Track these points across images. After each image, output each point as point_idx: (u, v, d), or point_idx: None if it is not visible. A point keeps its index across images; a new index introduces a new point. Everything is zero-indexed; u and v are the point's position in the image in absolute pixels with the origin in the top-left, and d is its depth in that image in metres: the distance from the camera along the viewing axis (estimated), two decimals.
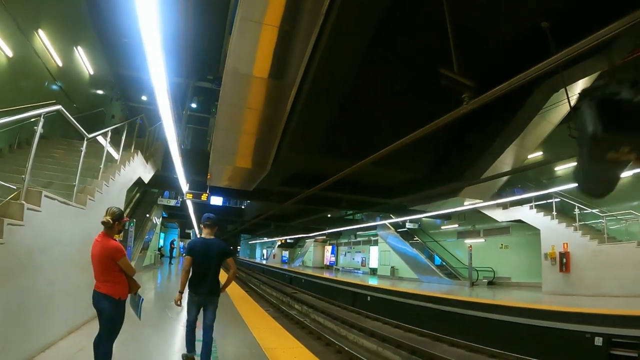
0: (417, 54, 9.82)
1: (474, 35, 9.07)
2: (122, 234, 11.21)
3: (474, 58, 9.00)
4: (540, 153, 19.22)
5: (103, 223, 4.66)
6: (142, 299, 5.24)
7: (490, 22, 9.12)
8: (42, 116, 5.62)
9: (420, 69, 9.98)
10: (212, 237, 6.26)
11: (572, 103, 10.20)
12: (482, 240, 25.85)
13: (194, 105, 24.55)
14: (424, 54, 9.58)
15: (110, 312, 4.66)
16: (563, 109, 12.25)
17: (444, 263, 27.59)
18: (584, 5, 8.30)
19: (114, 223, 4.72)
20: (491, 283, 23.46)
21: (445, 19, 7.08)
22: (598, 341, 9.90)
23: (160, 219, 32.61)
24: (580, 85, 12.01)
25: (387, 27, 8.73)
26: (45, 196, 5.66)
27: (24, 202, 5.08)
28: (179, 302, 5.98)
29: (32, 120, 5.72)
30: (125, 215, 5.02)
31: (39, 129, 5.54)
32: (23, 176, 5.27)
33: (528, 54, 8.89)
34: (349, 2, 7.47)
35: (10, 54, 10.27)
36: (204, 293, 6.02)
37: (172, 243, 39.81)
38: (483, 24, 9.07)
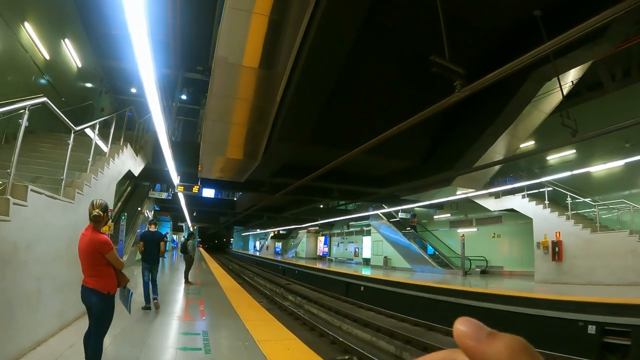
0: (408, 42, 9.76)
1: (466, 23, 9.03)
2: (112, 229, 11.13)
3: (466, 46, 8.97)
4: (533, 142, 19.25)
5: (94, 216, 4.58)
6: (132, 293, 5.18)
7: (482, 9, 9.06)
8: (27, 109, 5.53)
9: (411, 57, 9.93)
10: (155, 229, 10.86)
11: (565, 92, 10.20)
12: (475, 229, 25.99)
13: (183, 97, 24.42)
14: (415, 41, 9.52)
15: (99, 306, 4.59)
16: (555, 98, 12.24)
17: (437, 252, 27.65)
18: None
19: (103, 215, 4.65)
20: (484, 272, 23.63)
21: (436, 6, 7.02)
22: (591, 329, 9.93)
23: (152, 212, 32.46)
24: (572, 74, 12.02)
25: (377, 14, 8.66)
26: (32, 190, 5.57)
27: (9, 197, 4.99)
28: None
29: (18, 113, 5.62)
30: (112, 207, 4.95)
31: (24, 122, 5.44)
32: (8, 171, 5.18)
33: (520, 42, 8.87)
34: None
35: None
36: (150, 261, 10.14)
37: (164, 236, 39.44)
38: (475, 11, 9.02)
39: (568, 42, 4.73)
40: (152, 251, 10.24)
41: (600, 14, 4.36)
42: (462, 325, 0.42)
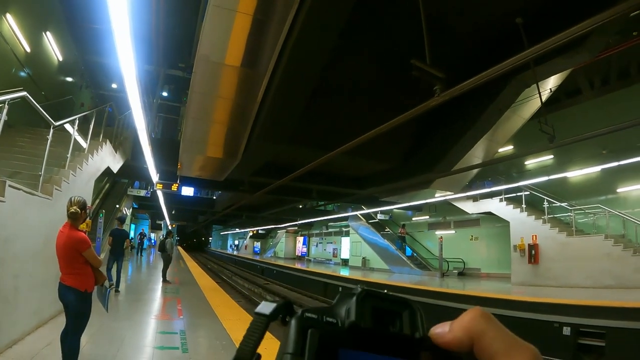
0: (390, 44, 9.82)
1: (448, 28, 9.13)
2: (89, 226, 11.08)
3: (447, 50, 9.05)
4: (511, 147, 19.48)
5: (72, 214, 4.55)
6: (109, 291, 5.16)
7: (464, 15, 9.17)
8: (6, 103, 5.47)
9: (392, 60, 9.99)
10: (122, 228, 12.59)
11: (544, 98, 10.36)
12: (453, 231, 26.19)
13: (164, 94, 24.23)
14: (396, 44, 9.59)
15: (76, 304, 4.56)
16: (534, 104, 12.43)
17: (415, 254, 27.80)
18: (558, 4, 8.40)
19: (81, 212, 4.62)
20: (461, 274, 23.82)
21: (419, 10, 7.09)
22: (566, 331, 10.10)
23: (131, 209, 32.15)
24: (552, 81, 12.19)
25: (359, 16, 8.70)
26: (10, 186, 5.50)
27: None
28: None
29: None
30: (90, 204, 4.92)
31: (3, 116, 5.38)
32: None
33: (501, 49, 8.98)
34: None
35: None
36: (117, 254, 11.97)
37: (141, 234, 38.83)
38: (457, 17, 9.12)
39: (548, 50, 4.83)
40: (118, 246, 12.03)
41: (580, 24, 4.45)
42: (433, 329, 0.48)
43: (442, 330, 0.47)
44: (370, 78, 10.92)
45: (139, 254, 34.11)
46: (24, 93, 6.47)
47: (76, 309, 4.59)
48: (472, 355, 0.46)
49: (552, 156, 19.25)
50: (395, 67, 9.71)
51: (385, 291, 0.51)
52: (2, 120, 5.39)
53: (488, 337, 0.45)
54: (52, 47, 15.54)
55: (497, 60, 5.37)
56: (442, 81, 6.45)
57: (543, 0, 8.73)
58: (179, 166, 14.87)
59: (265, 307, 0.48)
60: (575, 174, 16.86)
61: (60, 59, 16.46)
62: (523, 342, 0.45)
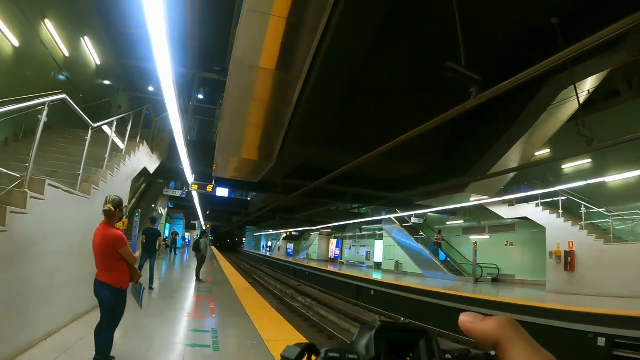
0: (424, 47, 9.75)
1: (483, 30, 9.00)
2: (126, 224, 11.33)
3: (482, 52, 8.94)
4: (548, 150, 19.10)
5: (105, 211, 4.67)
6: (144, 288, 5.26)
7: (499, 16, 9.03)
8: (46, 105, 5.63)
9: (427, 62, 9.91)
10: (154, 227, 13.06)
11: (581, 100, 10.13)
12: (487, 236, 25.79)
13: (200, 97, 24.56)
14: (430, 46, 9.50)
15: (111, 300, 4.68)
16: (571, 106, 12.16)
17: (448, 259, 27.47)
18: (593, 4, 8.21)
19: (115, 210, 4.73)
20: (495, 280, 23.41)
21: (453, 12, 7.02)
22: (601, 342, 9.81)
23: (166, 209, 32.66)
24: (589, 82, 11.90)
25: (393, 19, 8.68)
26: (49, 185, 5.68)
27: (27, 190, 5.09)
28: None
29: (37, 109, 5.73)
30: (127, 203, 5.04)
31: (43, 118, 5.54)
32: (27, 164, 5.29)
33: (537, 50, 8.82)
34: None
35: (16, 43, 10.29)
36: (149, 251, 12.47)
37: (173, 233, 39.14)
38: (492, 18, 8.99)
39: (585, 51, 4.73)
40: (151, 244, 12.58)
41: (617, 23, 4.35)
42: (463, 315, 0.56)
43: (471, 320, 0.55)
44: (403, 80, 10.86)
45: (173, 253, 34.56)
46: (63, 96, 6.65)
47: (111, 305, 4.71)
48: (493, 357, 0.52)
49: (589, 160, 18.77)
50: (429, 69, 9.62)
51: (402, 319, 0.54)
52: (42, 122, 5.55)
53: (512, 342, 0.49)
54: (90, 52, 15.94)
55: (533, 61, 5.28)
56: (478, 83, 6.38)
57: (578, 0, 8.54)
58: (214, 167, 15.07)
59: (290, 352, 0.52)
60: (614, 178, 16.32)
61: (98, 62, 16.87)
62: (544, 352, 0.48)
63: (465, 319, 0.55)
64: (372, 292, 20.84)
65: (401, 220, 30.40)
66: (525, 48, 9.69)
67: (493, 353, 0.52)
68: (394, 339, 0.54)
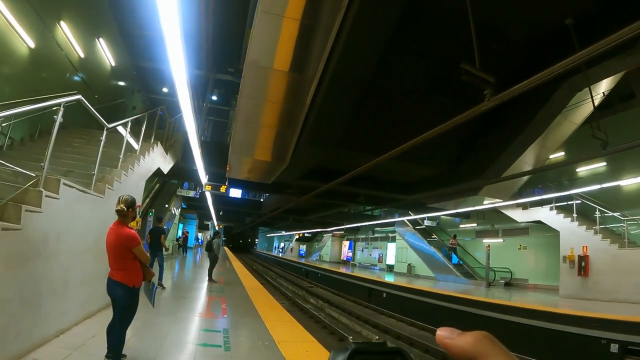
0: (438, 49, 9.71)
1: (497, 31, 8.94)
2: (139, 224, 11.45)
3: (496, 54, 8.88)
4: (562, 153, 18.94)
5: (117, 211, 4.72)
6: (156, 287, 5.31)
7: (513, 17, 8.96)
8: (62, 105, 5.69)
9: (440, 64, 9.88)
10: (160, 225, 12.84)
11: (596, 103, 10.03)
12: (501, 240, 25.62)
13: (214, 98, 24.68)
14: (444, 48, 9.47)
15: (124, 299, 4.72)
16: (586, 109, 12.06)
17: (461, 262, 27.34)
18: (609, 4, 8.13)
19: (128, 210, 4.77)
20: (508, 284, 23.25)
21: (467, 13, 6.99)
22: (614, 348, 9.68)
23: (179, 209, 32.81)
24: (604, 84, 11.79)
25: (407, 20, 8.64)
26: (64, 184, 5.75)
27: (42, 189, 5.16)
28: None
29: (53, 109, 5.80)
30: (140, 203, 5.08)
31: (59, 118, 5.60)
32: (42, 164, 5.35)
33: (551, 51, 8.75)
34: None
35: (32, 44, 10.42)
36: (154, 249, 12.29)
37: (183, 234, 38.84)
38: (506, 19, 8.92)
39: (600, 52, 4.68)
40: (155, 242, 12.57)
41: (632, 24, 4.31)
42: (440, 330, 0.55)
43: (448, 336, 0.54)
44: (417, 82, 10.81)
45: (184, 253, 34.60)
46: (79, 96, 6.72)
47: (124, 304, 4.75)
48: None
49: (604, 163, 18.58)
50: (444, 71, 9.59)
51: (377, 338, 0.55)
52: (58, 122, 5.61)
53: (489, 357, 0.49)
54: (105, 53, 16.10)
55: (547, 63, 5.23)
56: (492, 85, 6.34)
57: (594, 0, 8.45)
58: (227, 168, 15.12)
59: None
60: (629, 182, 16.18)
61: (113, 64, 17.03)
62: None
63: (442, 334, 0.54)
64: (384, 294, 20.78)
65: (414, 222, 30.31)
66: (540, 49, 9.62)
67: None
68: None
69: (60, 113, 5.61)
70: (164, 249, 12.82)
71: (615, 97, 16.04)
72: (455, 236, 27.83)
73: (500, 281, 23.56)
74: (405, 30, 8.88)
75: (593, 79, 10.03)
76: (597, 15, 8.34)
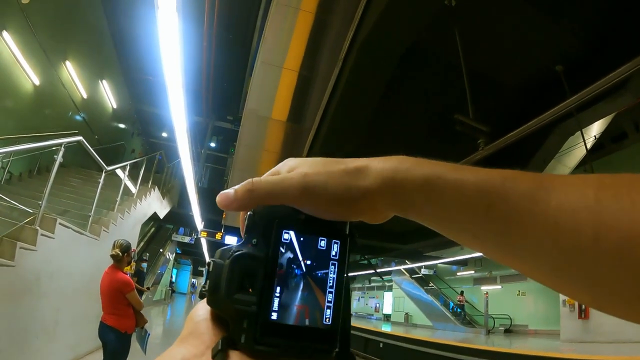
0: (433, 99, 9.84)
1: (489, 80, 9.08)
2: (133, 269, 11.35)
3: (489, 102, 9.02)
4: None
5: (112, 256, 4.67)
6: (149, 334, 5.19)
7: (505, 66, 9.14)
8: (62, 146, 5.72)
9: (436, 113, 9.99)
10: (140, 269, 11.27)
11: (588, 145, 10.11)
12: (499, 286, 25.35)
13: (212, 145, 24.83)
14: (439, 98, 9.60)
15: (115, 344, 4.62)
16: (579, 152, 12.16)
17: (458, 310, 26.97)
18: (597, 49, 8.33)
19: (123, 255, 4.73)
20: (508, 331, 22.87)
21: (460, 65, 7.13)
22: None
23: (174, 254, 32.51)
24: (596, 127, 11.94)
25: (403, 72, 8.79)
26: (60, 224, 5.72)
27: (38, 227, 5.13)
28: None
29: (53, 150, 5.83)
30: (135, 247, 5.04)
31: (59, 158, 5.62)
32: (39, 202, 5.33)
33: (543, 97, 8.90)
34: (366, 48, 7.56)
35: (37, 82, 10.53)
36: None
37: (170, 282, 37.58)
38: (498, 68, 9.10)
39: (590, 98, 4.76)
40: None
41: (621, 68, 4.39)
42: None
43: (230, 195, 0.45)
44: (413, 130, 10.91)
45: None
46: (79, 138, 6.76)
47: (114, 349, 4.65)
48: None
49: None
50: (439, 119, 9.69)
51: None
52: (58, 162, 5.62)
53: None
54: (107, 95, 16.27)
55: (539, 109, 5.32)
56: (486, 134, 6.42)
57: (582, 46, 8.63)
58: (223, 216, 15.07)
59: None
60: None
61: (115, 106, 17.20)
62: None
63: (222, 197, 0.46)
64: (381, 344, 20.39)
65: (411, 271, 30.04)
66: (532, 96, 9.77)
67: None
68: None
69: (61, 153, 5.64)
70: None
71: (607, 138, 16.17)
72: (462, 292, 27.36)
73: (500, 328, 23.19)
74: (401, 80, 9.00)
75: (584, 123, 10.14)
76: (586, 60, 8.52)
